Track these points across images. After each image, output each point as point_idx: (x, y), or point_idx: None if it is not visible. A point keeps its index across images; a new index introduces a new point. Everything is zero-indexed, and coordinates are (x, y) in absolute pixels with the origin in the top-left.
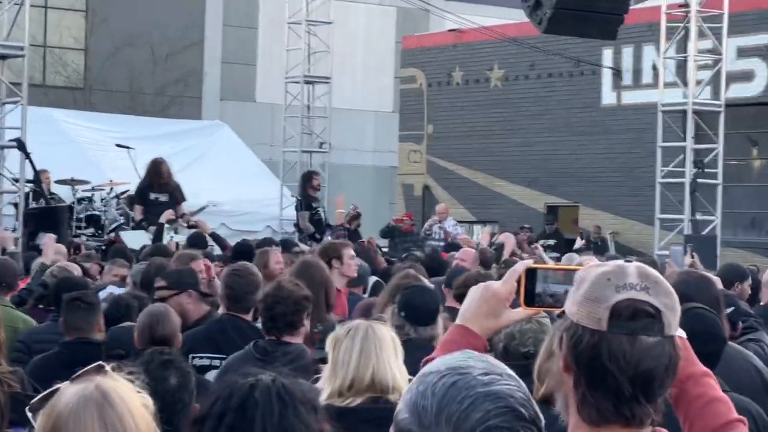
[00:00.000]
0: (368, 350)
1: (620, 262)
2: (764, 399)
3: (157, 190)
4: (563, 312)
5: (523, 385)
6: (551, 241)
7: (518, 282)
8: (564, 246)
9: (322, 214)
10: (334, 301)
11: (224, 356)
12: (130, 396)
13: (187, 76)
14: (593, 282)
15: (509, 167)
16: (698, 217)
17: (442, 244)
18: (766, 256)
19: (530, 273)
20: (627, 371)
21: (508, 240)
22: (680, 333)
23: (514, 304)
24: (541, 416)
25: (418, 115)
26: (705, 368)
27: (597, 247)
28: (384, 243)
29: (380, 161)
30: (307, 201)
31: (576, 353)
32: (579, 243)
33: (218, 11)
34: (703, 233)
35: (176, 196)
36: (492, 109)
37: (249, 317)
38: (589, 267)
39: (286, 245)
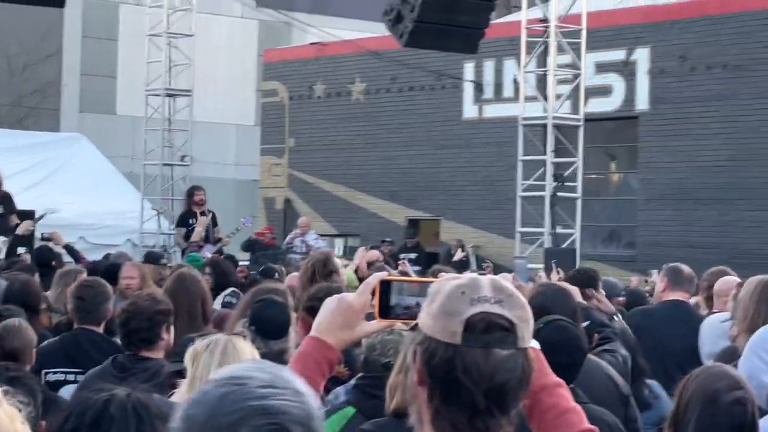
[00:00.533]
0: (227, 366)
1: (475, 275)
2: (620, 409)
3: None
4: (416, 325)
5: (311, 402)
6: (412, 255)
7: (373, 294)
8: (426, 260)
9: (202, 231)
10: (210, 313)
11: (80, 370)
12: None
13: (45, 88)
14: (447, 295)
15: (371, 181)
16: (558, 230)
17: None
18: (624, 269)
19: (385, 285)
20: (481, 384)
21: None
22: (534, 344)
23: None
24: None
25: (280, 129)
26: (558, 379)
27: (457, 264)
28: (246, 256)
29: (242, 174)
30: (185, 216)
31: (430, 367)
32: (459, 255)
33: (77, 22)
34: (563, 246)
35: (9, 207)
36: (354, 122)
37: (101, 329)
38: (444, 280)
39: (151, 259)
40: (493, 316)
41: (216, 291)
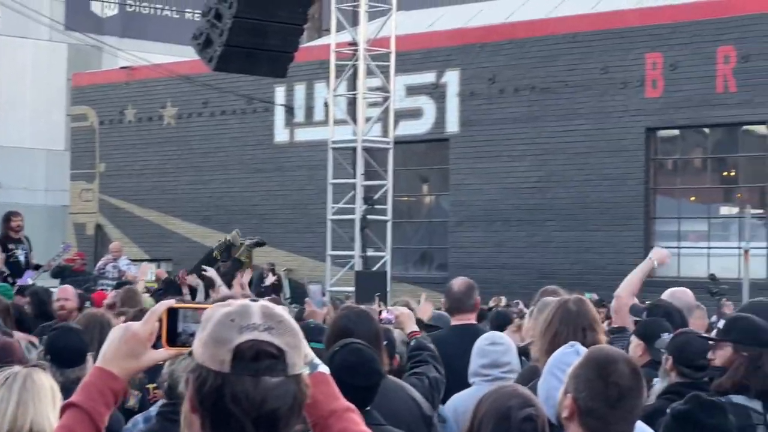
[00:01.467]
0: (26, 400)
1: (246, 301)
2: (421, 428)
3: None
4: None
5: None
6: None
7: (160, 322)
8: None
9: (21, 257)
10: None
11: None
12: None
13: None
14: (217, 322)
15: (182, 205)
16: (369, 253)
17: (115, 282)
18: (435, 290)
19: (171, 312)
20: (251, 412)
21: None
22: (323, 369)
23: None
24: None
25: (90, 154)
26: (348, 404)
27: (268, 288)
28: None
29: (52, 200)
30: (2, 242)
31: (201, 395)
32: (271, 279)
33: None
34: (374, 269)
35: None
36: (165, 146)
37: None
38: (215, 306)
39: None
40: (262, 344)
41: (38, 319)
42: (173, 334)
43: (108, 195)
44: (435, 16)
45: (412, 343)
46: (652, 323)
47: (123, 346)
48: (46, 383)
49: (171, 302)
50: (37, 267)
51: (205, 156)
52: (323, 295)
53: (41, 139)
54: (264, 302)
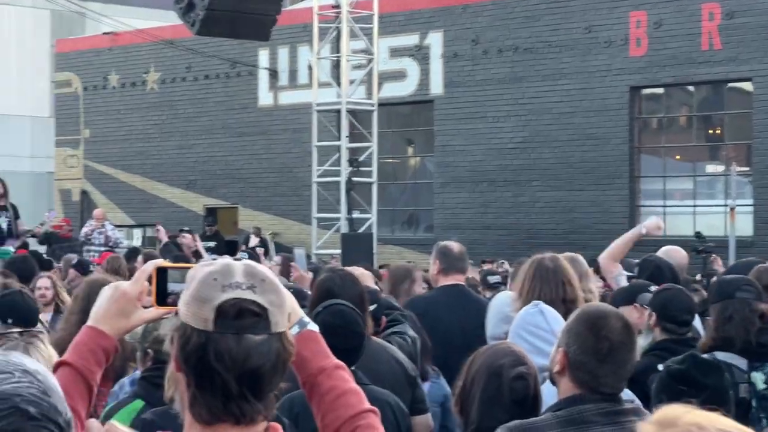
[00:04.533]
0: None
1: (229, 260)
2: (405, 388)
3: None
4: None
5: (44, 378)
6: (211, 243)
7: (149, 281)
8: (225, 248)
9: (4, 225)
10: None
11: None
12: None
13: None
14: (200, 281)
15: (167, 170)
16: (354, 215)
17: (102, 249)
18: (421, 251)
19: (161, 272)
20: (234, 370)
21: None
22: (312, 327)
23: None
24: (64, 409)
25: (75, 120)
26: (338, 361)
27: (252, 249)
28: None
29: (38, 167)
30: None
31: (185, 353)
32: (254, 241)
33: None
34: (360, 231)
35: None
36: (149, 111)
37: None
38: (199, 266)
39: None
40: (245, 302)
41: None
42: (162, 293)
43: (93, 161)
44: None
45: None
46: (631, 286)
47: (113, 305)
48: (44, 352)
49: (160, 261)
50: (26, 232)
51: (190, 120)
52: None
53: (26, 106)
54: (247, 261)
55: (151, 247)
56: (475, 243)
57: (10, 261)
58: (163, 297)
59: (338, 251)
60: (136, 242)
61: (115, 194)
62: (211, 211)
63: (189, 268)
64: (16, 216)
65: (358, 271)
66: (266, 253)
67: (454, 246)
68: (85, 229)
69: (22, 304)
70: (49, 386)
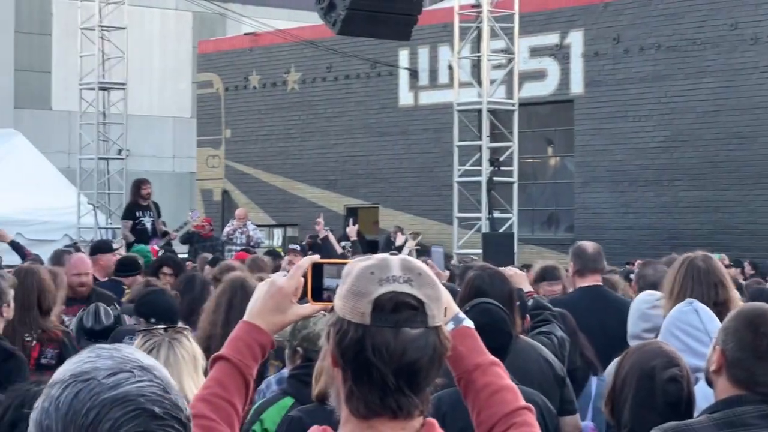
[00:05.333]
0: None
1: (386, 255)
2: (554, 388)
3: None
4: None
5: (160, 377)
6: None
7: (305, 277)
8: (365, 248)
9: (148, 224)
10: (48, 306)
11: None
12: None
13: None
14: (357, 276)
15: (308, 170)
16: (495, 215)
17: (244, 248)
18: (561, 252)
19: (316, 268)
20: (391, 364)
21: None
22: (468, 323)
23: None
24: (183, 404)
25: (216, 120)
26: (493, 358)
27: (398, 248)
28: (184, 249)
29: (179, 167)
30: (131, 209)
31: (342, 348)
32: (400, 239)
33: (9, 17)
34: (501, 231)
35: None
36: (290, 112)
37: None
38: (356, 261)
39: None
40: (402, 296)
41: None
42: (318, 289)
43: (234, 161)
44: None
45: (530, 303)
46: None
47: (269, 301)
48: (188, 348)
49: (315, 257)
50: (164, 234)
51: (330, 120)
52: (448, 257)
53: (168, 107)
54: (403, 256)
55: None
56: (617, 243)
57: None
58: (319, 293)
59: (479, 251)
60: (277, 242)
61: (256, 194)
62: (351, 211)
63: (345, 263)
64: (159, 216)
65: (510, 271)
66: (409, 253)
67: (589, 246)
68: (227, 229)
69: (163, 302)
70: (168, 382)
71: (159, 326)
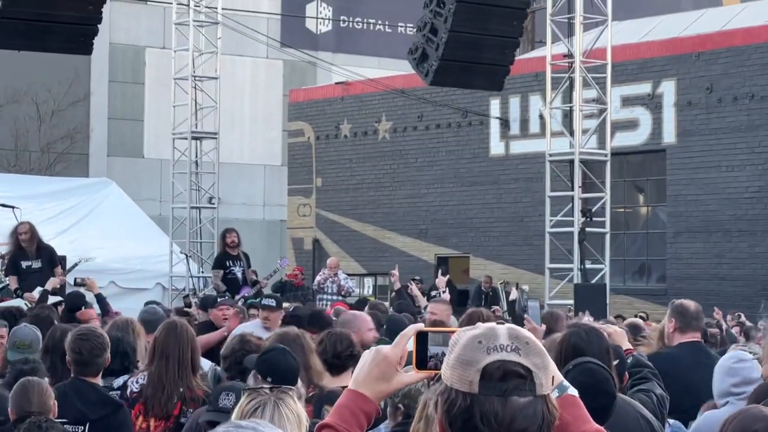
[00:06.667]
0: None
1: (492, 324)
2: None
3: (30, 256)
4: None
5: None
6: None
7: (411, 345)
8: (456, 297)
9: (239, 274)
10: (198, 362)
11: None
12: None
13: (74, 133)
14: (464, 345)
15: (399, 219)
16: (587, 265)
17: (335, 297)
18: (653, 302)
19: (421, 336)
20: None
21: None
22: (572, 391)
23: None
24: None
25: (307, 169)
26: (598, 426)
27: (488, 297)
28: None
29: (270, 215)
30: (221, 259)
31: (450, 416)
32: (514, 294)
33: (104, 67)
34: (593, 282)
35: (52, 261)
36: (381, 161)
37: (98, 380)
38: (463, 330)
39: (207, 303)
40: (510, 364)
41: None
42: (423, 357)
43: (324, 209)
44: (650, 25)
45: (629, 360)
46: None
47: (375, 369)
48: (294, 408)
49: (420, 326)
50: (255, 283)
51: (421, 169)
52: (542, 309)
53: (259, 155)
54: (510, 325)
55: (381, 296)
56: (710, 294)
57: None
58: (424, 361)
59: (571, 302)
60: (367, 291)
61: (347, 243)
62: (442, 260)
63: (449, 331)
64: (248, 265)
65: (610, 329)
66: (497, 302)
67: (691, 304)
68: (318, 278)
69: (283, 362)
70: None
71: (265, 386)
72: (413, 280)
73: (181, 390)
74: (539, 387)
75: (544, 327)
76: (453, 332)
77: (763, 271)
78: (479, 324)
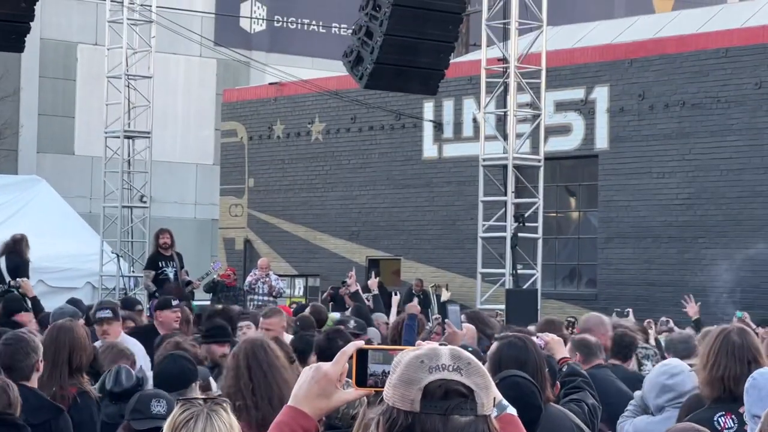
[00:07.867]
0: None
1: (435, 345)
2: None
3: None
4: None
5: None
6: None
7: (349, 362)
8: (387, 300)
9: (171, 274)
10: (83, 364)
11: None
12: None
13: (3, 129)
14: (407, 365)
15: (331, 220)
16: (519, 270)
17: (266, 298)
18: (584, 307)
19: (361, 354)
20: None
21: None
22: (511, 411)
23: None
24: None
25: (240, 169)
26: None
27: (420, 300)
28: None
29: (202, 214)
30: (154, 259)
31: None
32: (446, 295)
33: (34, 62)
34: (524, 287)
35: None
36: (313, 162)
37: (32, 383)
38: (406, 351)
39: (128, 304)
40: (452, 383)
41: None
42: (363, 374)
43: (256, 210)
44: (583, 31)
45: (564, 369)
46: None
47: (314, 386)
48: (227, 420)
49: (360, 343)
50: (188, 283)
51: (353, 171)
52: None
53: (191, 154)
54: (452, 346)
55: (312, 297)
56: (639, 299)
57: None
58: (363, 378)
59: (502, 306)
60: (298, 292)
61: (278, 244)
62: (373, 263)
63: (389, 349)
64: (182, 266)
65: (547, 337)
66: (428, 306)
67: (592, 339)
68: (249, 279)
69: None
70: None
71: (198, 396)
72: (343, 282)
73: (54, 390)
74: (480, 407)
75: (466, 330)
76: (393, 350)
77: (691, 277)
78: (422, 344)
